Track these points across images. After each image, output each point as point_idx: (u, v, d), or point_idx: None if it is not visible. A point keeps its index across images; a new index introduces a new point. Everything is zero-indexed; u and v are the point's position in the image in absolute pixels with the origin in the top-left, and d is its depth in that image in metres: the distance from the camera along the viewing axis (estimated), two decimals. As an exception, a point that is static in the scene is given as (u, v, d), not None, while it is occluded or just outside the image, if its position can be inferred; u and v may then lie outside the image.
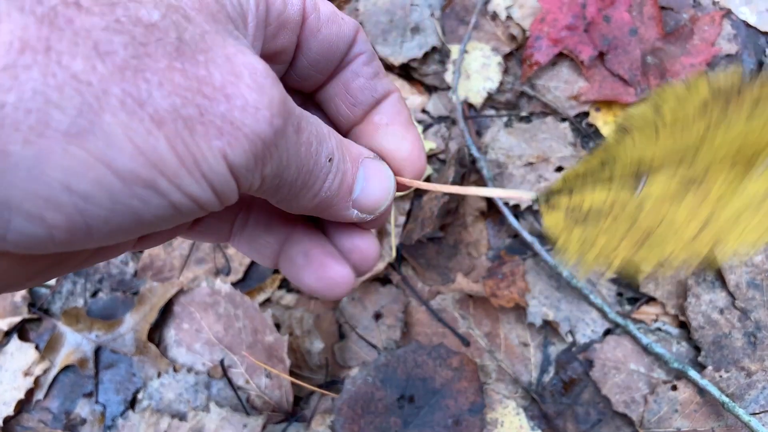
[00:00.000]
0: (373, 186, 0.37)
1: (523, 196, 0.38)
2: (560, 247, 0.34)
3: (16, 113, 0.20)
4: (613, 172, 0.33)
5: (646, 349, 0.85)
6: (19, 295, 0.99)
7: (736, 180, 0.29)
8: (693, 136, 0.30)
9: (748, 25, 1.03)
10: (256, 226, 0.43)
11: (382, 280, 0.95)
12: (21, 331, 0.97)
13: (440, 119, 1.03)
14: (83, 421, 0.90)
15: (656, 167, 0.31)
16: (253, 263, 0.98)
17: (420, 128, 1.01)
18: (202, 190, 0.25)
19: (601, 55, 1.00)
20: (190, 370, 0.89)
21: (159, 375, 0.89)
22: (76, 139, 0.22)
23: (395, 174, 0.40)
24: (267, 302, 0.94)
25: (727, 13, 1.04)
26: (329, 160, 0.33)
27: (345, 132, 0.42)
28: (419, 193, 0.97)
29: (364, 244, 0.42)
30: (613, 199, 0.33)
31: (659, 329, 0.88)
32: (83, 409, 0.91)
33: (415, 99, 1.05)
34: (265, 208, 0.43)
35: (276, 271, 0.97)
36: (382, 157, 0.40)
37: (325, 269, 0.40)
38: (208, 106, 0.25)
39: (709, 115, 0.31)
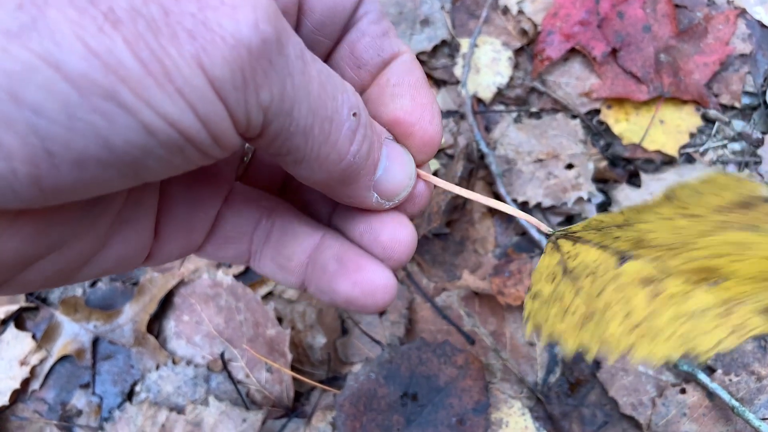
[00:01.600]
0: (395, 168, 0.34)
1: (541, 226, 0.36)
2: (526, 307, 0.33)
3: None
4: (618, 238, 0.32)
5: (654, 351, 0.83)
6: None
7: (688, 289, 0.29)
8: (685, 233, 0.30)
9: (762, 25, 1.02)
10: (282, 236, 0.38)
11: (387, 275, 0.93)
12: (18, 319, 0.96)
13: (449, 114, 1.02)
14: (79, 413, 0.88)
15: (646, 248, 0.31)
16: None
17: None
18: (180, 110, 0.21)
19: (614, 52, 0.98)
20: (189, 362, 0.87)
21: (158, 367, 0.87)
22: (17, 38, 0.19)
23: (406, 144, 0.36)
24: (269, 295, 0.92)
25: (742, 13, 1.02)
26: (353, 114, 0.29)
27: None
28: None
29: (398, 229, 0.36)
30: (598, 263, 0.32)
31: (668, 331, 0.86)
32: (79, 400, 0.89)
33: (424, 93, 1.04)
34: (290, 213, 0.38)
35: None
36: (391, 123, 0.35)
37: (363, 272, 0.35)
38: (173, 4, 0.21)
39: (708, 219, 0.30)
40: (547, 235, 0.35)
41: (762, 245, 0.28)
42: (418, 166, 0.36)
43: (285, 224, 0.38)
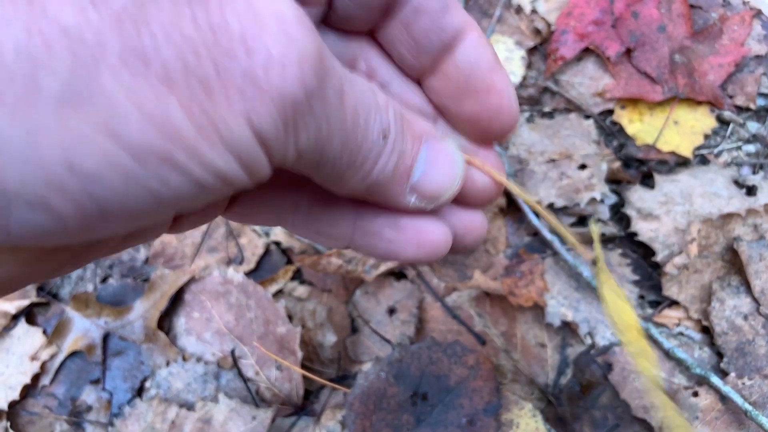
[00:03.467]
0: (436, 170, 0.31)
1: (585, 254, 0.37)
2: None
3: None
4: None
5: (667, 354, 0.82)
6: (28, 279, 0.97)
7: None
8: None
9: (779, 26, 1.01)
10: (318, 200, 0.36)
11: (397, 274, 0.93)
12: (29, 314, 0.96)
13: (461, 113, 1.01)
14: (89, 408, 0.89)
15: None
16: (266, 253, 0.96)
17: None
18: (228, 164, 0.22)
19: (628, 52, 0.97)
20: (199, 359, 0.87)
21: (168, 364, 0.87)
22: (72, 108, 0.18)
23: (482, 136, 0.33)
24: (279, 293, 0.92)
25: (758, 14, 1.01)
26: (383, 137, 0.28)
27: (413, 79, 0.35)
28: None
29: (471, 220, 0.35)
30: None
31: (681, 334, 0.85)
32: (89, 395, 0.89)
33: (436, 92, 1.03)
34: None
35: (289, 262, 0.95)
36: (468, 121, 0.33)
37: (423, 234, 0.34)
38: (226, 62, 0.21)
39: None
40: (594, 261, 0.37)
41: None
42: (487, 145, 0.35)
43: (321, 191, 0.35)
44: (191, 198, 0.22)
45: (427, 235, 0.34)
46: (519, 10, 1.05)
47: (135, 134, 0.19)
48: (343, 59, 0.34)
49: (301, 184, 0.36)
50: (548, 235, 0.89)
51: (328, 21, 0.33)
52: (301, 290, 0.92)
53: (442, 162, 0.32)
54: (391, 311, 0.90)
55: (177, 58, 0.20)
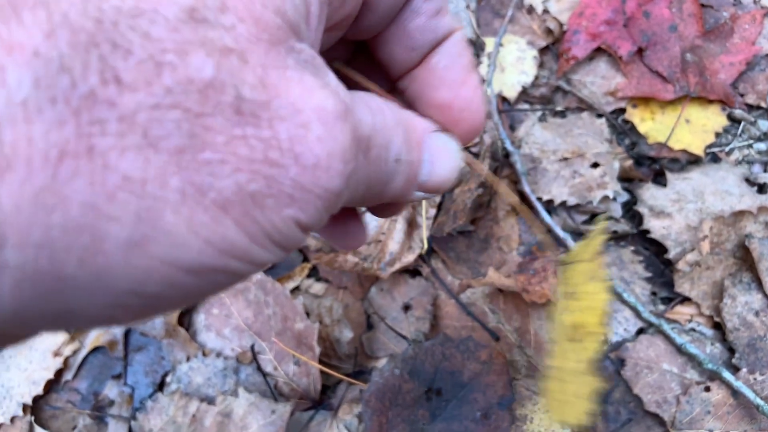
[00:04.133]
0: (438, 167, 0.33)
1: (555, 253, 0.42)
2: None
3: (65, 236, 0.18)
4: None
5: (679, 350, 0.83)
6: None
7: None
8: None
9: (790, 25, 1.01)
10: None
11: (412, 272, 0.94)
12: (51, 311, 0.98)
13: (473, 112, 1.02)
14: (111, 403, 0.91)
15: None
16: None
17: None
18: (273, 254, 0.23)
19: (640, 51, 0.98)
20: (219, 355, 0.89)
21: (188, 359, 0.89)
22: (137, 249, 0.19)
23: (451, 128, 0.34)
24: (296, 290, 0.94)
25: (769, 12, 1.02)
26: (396, 161, 0.29)
27: (395, 77, 0.36)
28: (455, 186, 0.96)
29: (466, 93, 0.34)
30: None
31: (693, 330, 0.86)
32: (111, 390, 0.92)
33: (449, 91, 1.05)
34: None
35: (305, 260, 0.97)
36: (440, 108, 0.34)
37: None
38: (276, 174, 0.21)
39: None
40: (558, 262, 0.43)
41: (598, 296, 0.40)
42: (463, 144, 0.35)
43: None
44: (231, 284, 0.24)
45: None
46: (531, 10, 1.06)
47: (195, 258, 0.20)
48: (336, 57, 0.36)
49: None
50: (561, 233, 0.90)
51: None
52: (318, 287, 0.94)
53: (444, 156, 0.33)
54: (406, 308, 0.92)
55: (231, 182, 0.20)
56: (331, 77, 0.25)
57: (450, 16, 0.34)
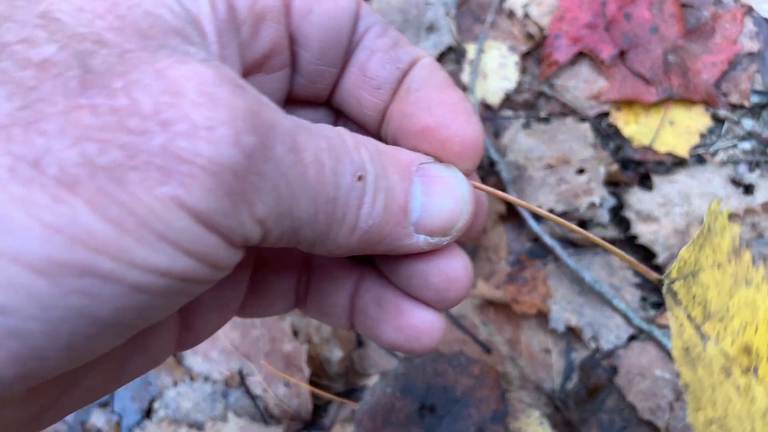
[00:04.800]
0: (438, 199, 0.28)
1: (649, 273, 0.32)
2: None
3: None
4: (694, 299, 0.32)
5: (671, 356, 0.83)
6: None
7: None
8: (722, 293, 0.31)
9: (770, 22, 1.01)
10: (321, 282, 0.34)
11: (400, 285, 0.93)
12: (34, 339, 0.96)
13: (457, 120, 1.01)
14: (99, 431, 0.89)
15: (710, 321, 0.31)
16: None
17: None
18: (170, 257, 0.19)
19: (622, 54, 0.98)
20: (206, 378, 0.87)
21: (175, 384, 0.88)
22: None
23: (447, 158, 0.30)
24: (283, 309, 0.92)
25: (749, 10, 1.02)
26: (358, 179, 0.25)
27: (377, 129, 0.33)
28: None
29: (450, 266, 0.30)
30: (694, 343, 0.31)
31: (684, 335, 0.86)
32: (99, 418, 0.90)
33: (431, 100, 1.03)
34: (327, 260, 0.35)
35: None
36: (422, 135, 0.30)
37: (405, 317, 0.31)
38: (137, 142, 0.18)
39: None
40: (660, 282, 0.32)
41: (761, 305, 0.29)
42: (466, 175, 0.31)
43: (322, 270, 0.34)
44: (144, 307, 0.19)
45: (409, 319, 0.31)
46: (511, 14, 1.05)
47: (38, 249, 0.17)
48: None
49: (309, 266, 0.35)
50: (549, 241, 0.89)
51: (296, 91, 0.32)
52: (306, 305, 0.92)
53: (443, 188, 0.29)
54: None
55: (75, 153, 0.17)
56: (235, 74, 0.22)
57: (411, 47, 0.31)
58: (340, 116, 0.35)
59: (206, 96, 0.20)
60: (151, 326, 0.27)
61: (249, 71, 0.28)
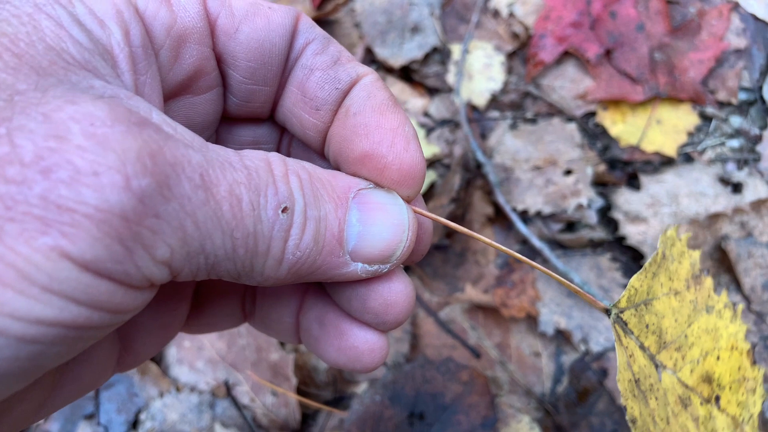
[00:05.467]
0: (376, 228, 0.28)
1: (596, 303, 0.31)
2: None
3: None
4: (647, 329, 0.30)
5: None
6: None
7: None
8: (680, 320, 0.30)
9: (756, 18, 1.00)
10: (265, 300, 0.34)
11: (388, 290, 0.92)
12: (17, 351, 0.95)
13: (443, 122, 1.00)
14: (85, 444, 0.88)
15: (666, 350, 0.31)
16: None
17: (422, 132, 0.99)
18: (57, 308, 0.18)
19: (608, 53, 0.97)
20: (193, 389, 0.86)
21: (161, 395, 0.86)
22: None
23: (389, 183, 0.29)
24: (270, 316, 0.91)
25: (735, 6, 1.01)
26: (283, 210, 0.24)
27: (321, 149, 0.32)
28: (425, 200, 0.94)
29: (389, 290, 0.30)
30: (648, 373, 0.29)
31: (674, 336, 0.85)
32: (84, 431, 0.88)
33: (417, 102, 1.02)
34: None
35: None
36: (360, 161, 0.29)
37: (345, 338, 0.31)
38: (15, 193, 0.17)
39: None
40: (607, 311, 0.31)
41: (722, 332, 0.29)
42: (408, 201, 0.30)
43: (267, 289, 0.34)
44: (37, 356, 0.19)
45: (348, 340, 0.30)
46: (496, 14, 1.04)
47: None
48: (258, 146, 0.33)
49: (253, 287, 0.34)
50: (537, 243, 0.88)
51: (230, 110, 0.31)
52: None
53: (381, 216, 0.28)
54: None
55: None
56: (142, 107, 0.21)
57: (353, 63, 0.30)
58: (285, 132, 0.34)
59: (94, 138, 0.19)
60: (80, 356, 0.27)
61: (174, 94, 0.28)
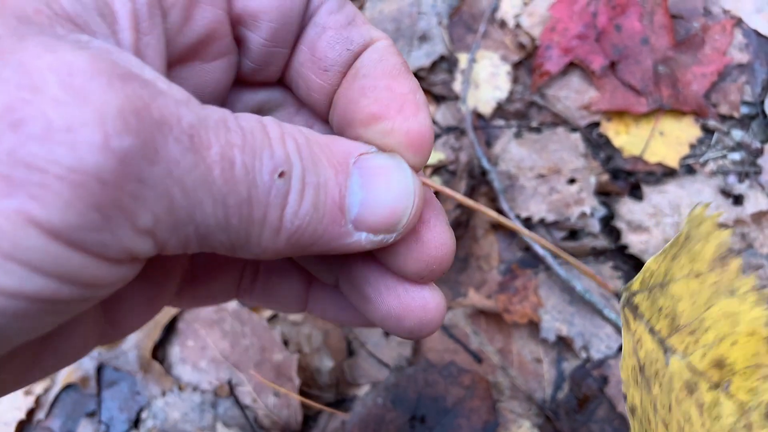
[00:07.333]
0: (378, 194, 0.26)
1: (607, 285, 0.31)
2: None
3: None
4: (660, 312, 0.30)
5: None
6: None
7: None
8: (698, 302, 0.29)
9: (759, 34, 1.02)
10: (272, 271, 0.33)
11: (391, 294, 0.93)
12: (21, 348, 0.95)
13: (449, 130, 1.02)
14: (86, 442, 0.88)
15: (677, 334, 0.30)
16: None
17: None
18: (19, 278, 0.17)
19: (612, 65, 0.98)
20: (195, 388, 0.86)
21: (164, 394, 0.87)
22: None
23: (393, 148, 0.27)
24: (274, 318, 0.92)
25: (739, 22, 1.03)
26: (280, 175, 0.22)
27: (326, 114, 0.30)
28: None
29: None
30: (655, 358, 0.29)
31: (675, 345, 0.86)
32: (86, 428, 0.89)
33: (423, 109, 1.03)
34: None
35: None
36: (366, 121, 0.27)
37: (410, 293, 0.29)
38: None
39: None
40: (617, 295, 0.31)
41: (743, 317, 0.28)
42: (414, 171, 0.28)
43: (273, 262, 0.32)
44: (5, 329, 0.17)
45: (413, 294, 0.29)
46: (503, 24, 1.06)
47: None
48: (261, 111, 0.31)
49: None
50: (540, 250, 0.89)
51: (243, 77, 0.29)
52: (296, 315, 0.92)
53: (384, 181, 0.26)
54: (387, 333, 0.90)
55: None
56: (133, 62, 0.19)
57: (367, 26, 0.29)
58: (288, 101, 0.33)
59: (71, 91, 0.17)
60: (60, 328, 0.25)
61: (182, 59, 0.26)
